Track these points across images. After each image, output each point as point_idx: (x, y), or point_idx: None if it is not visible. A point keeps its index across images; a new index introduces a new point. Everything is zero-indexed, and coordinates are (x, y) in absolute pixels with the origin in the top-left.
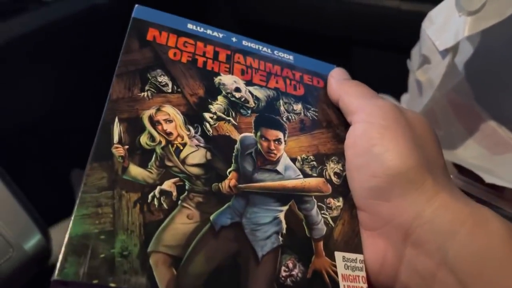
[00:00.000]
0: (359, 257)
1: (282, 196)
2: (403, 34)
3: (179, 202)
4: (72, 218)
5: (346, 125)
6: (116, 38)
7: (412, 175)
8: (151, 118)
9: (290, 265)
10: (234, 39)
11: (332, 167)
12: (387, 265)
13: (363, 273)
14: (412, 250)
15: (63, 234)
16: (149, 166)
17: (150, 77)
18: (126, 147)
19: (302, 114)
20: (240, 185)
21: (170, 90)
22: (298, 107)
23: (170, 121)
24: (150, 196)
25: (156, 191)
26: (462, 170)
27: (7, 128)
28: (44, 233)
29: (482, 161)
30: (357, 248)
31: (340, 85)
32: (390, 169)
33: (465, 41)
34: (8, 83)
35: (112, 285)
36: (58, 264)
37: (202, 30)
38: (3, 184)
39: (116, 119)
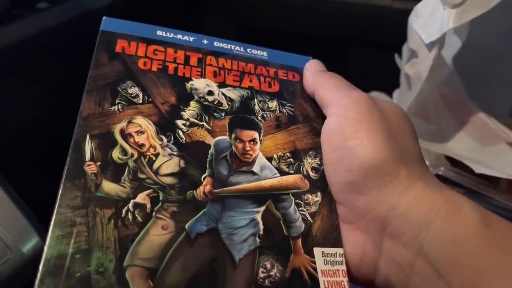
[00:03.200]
0: (339, 251)
1: (258, 197)
2: (396, 32)
3: (154, 213)
4: (47, 239)
5: (323, 118)
6: None
7: (386, 167)
8: (122, 132)
9: (268, 265)
10: (205, 41)
11: (309, 162)
12: (366, 257)
13: (343, 267)
14: (390, 241)
15: None
16: (122, 181)
17: (120, 90)
18: (99, 163)
19: (278, 111)
20: (215, 190)
21: (141, 101)
22: (273, 104)
23: (142, 132)
24: (124, 210)
25: (130, 205)
26: (454, 162)
27: (4, 133)
28: (42, 236)
29: (473, 153)
30: (336, 242)
31: (315, 77)
32: (364, 163)
33: (452, 34)
34: (3, 90)
35: None
36: (35, 285)
37: (172, 35)
38: (1, 188)
39: (87, 136)
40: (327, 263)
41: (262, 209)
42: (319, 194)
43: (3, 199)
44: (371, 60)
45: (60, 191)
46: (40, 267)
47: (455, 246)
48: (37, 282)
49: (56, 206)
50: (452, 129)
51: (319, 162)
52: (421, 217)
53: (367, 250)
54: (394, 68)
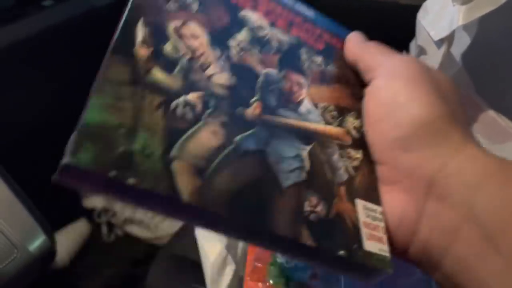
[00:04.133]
0: (379, 208)
1: (305, 135)
2: (403, 29)
3: (204, 116)
4: (89, 105)
5: (364, 87)
6: None
7: (438, 125)
8: (176, 30)
9: (314, 201)
10: None
11: (351, 122)
12: (406, 220)
13: (383, 224)
14: (435, 203)
15: (69, 239)
16: (174, 74)
17: None
18: (151, 49)
19: (323, 66)
20: (264, 116)
21: (196, 10)
22: (318, 59)
23: (196, 37)
24: (174, 103)
25: (181, 100)
26: None
27: (10, 131)
28: (48, 234)
29: None
30: (376, 200)
31: (359, 45)
32: (415, 118)
33: (461, 30)
34: (9, 87)
35: (131, 181)
36: (70, 149)
37: None
38: (8, 186)
39: (141, 20)
40: (368, 216)
41: (308, 147)
42: (360, 152)
43: (10, 197)
44: None
45: (105, 62)
46: (77, 130)
47: (509, 212)
48: (71, 143)
49: (101, 75)
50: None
51: (360, 125)
52: (473, 179)
53: (407, 213)
54: None
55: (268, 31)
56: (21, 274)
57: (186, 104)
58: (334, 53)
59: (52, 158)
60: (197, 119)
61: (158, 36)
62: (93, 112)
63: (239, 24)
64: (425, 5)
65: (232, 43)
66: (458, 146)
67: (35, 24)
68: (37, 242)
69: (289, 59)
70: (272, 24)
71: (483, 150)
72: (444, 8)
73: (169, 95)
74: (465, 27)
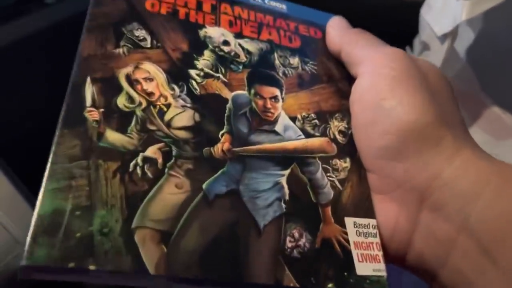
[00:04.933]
0: (372, 222)
1: (282, 159)
2: (406, 24)
3: (166, 170)
4: (41, 193)
5: (350, 80)
6: None
7: (429, 131)
8: (128, 77)
9: (296, 234)
10: None
11: (336, 125)
12: (399, 231)
13: (377, 239)
14: (429, 214)
15: None
16: (128, 131)
17: (125, 31)
18: (101, 110)
19: (300, 68)
20: (235, 149)
21: (149, 45)
22: (294, 60)
23: (151, 79)
24: (132, 164)
25: (139, 159)
26: None
27: (12, 129)
28: None
29: (487, 147)
30: (368, 212)
31: (341, 35)
32: (403, 125)
33: (465, 26)
34: (11, 85)
35: (92, 267)
36: (26, 247)
37: None
38: (10, 182)
39: (88, 79)
40: (359, 234)
41: (286, 172)
42: (348, 160)
43: (13, 193)
44: None
45: (55, 139)
46: (32, 223)
47: (506, 222)
48: (28, 241)
49: (51, 155)
50: (465, 123)
51: (346, 126)
52: (469, 188)
53: (400, 224)
54: None
55: (233, 45)
56: None
57: (145, 161)
58: (313, 46)
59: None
60: (159, 174)
61: (108, 91)
62: (46, 200)
63: (200, 46)
64: (428, 1)
65: (193, 72)
66: (450, 153)
67: (37, 22)
68: None
69: (259, 72)
70: (238, 35)
71: (478, 153)
72: (448, 4)
73: (125, 158)
74: (469, 22)
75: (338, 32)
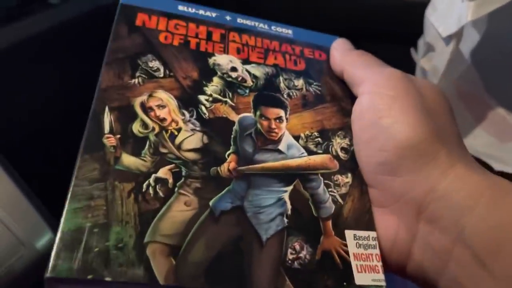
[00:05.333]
0: (372, 234)
1: (285, 176)
2: (410, 25)
3: (176, 189)
4: (64, 212)
5: (352, 98)
6: None
7: (423, 147)
8: (143, 105)
9: (297, 247)
10: (228, 18)
11: (338, 142)
12: (399, 242)
13: (377, 251)
14: (426, 226)
15: None
16: (142, 154)
17: (140, 63)
18: (118, 136)
19: (304, 89)
20: (240, 168)
21: (162, 75)
22: (299, 82)
23: (163, 106)
24: (144, 185)
25: (151, 180)
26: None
27: (16, 130)
28: (55, 232)
29: (491, 149)
30: (369, 225)
31: (344, 56)
32: (399, 142)
33: (470, 27)
34: (15, 85)
35: (108, 279)
36: (51, 261)
37: (193, 11)
38: (14, 183)
39: (107, 109)
40: (359, 246)
41: (289, 188)
42: (349, 175)
43: (17, 194)
44: (385, 54)
45: (77, 163)
46: (57, 240)
47: (500, 233)
48: (53, 255)
49: (74, 179)
50: (470, 125)
51: (348, 143)
52: (463, 201)
53: (400, 235)
54: (410, 62)
55: (240, 71)
56: (28, 271)
57: (157, 182)
58: (318, 68)
59: (58, 156)
60: (169, 193)
61: (124, 118)
62: (68, 219)
63: (209, 73)
64: (433, 2)
65: (202, 98)
66: (445, 168)
67: (41, 22)
68: (44, 239)
69: (265, 95)
70: (245, 61)
71: (472, 167)
72: (453, 5)
73: (139, 179)
74: (474, 23)
75: (340, 53)
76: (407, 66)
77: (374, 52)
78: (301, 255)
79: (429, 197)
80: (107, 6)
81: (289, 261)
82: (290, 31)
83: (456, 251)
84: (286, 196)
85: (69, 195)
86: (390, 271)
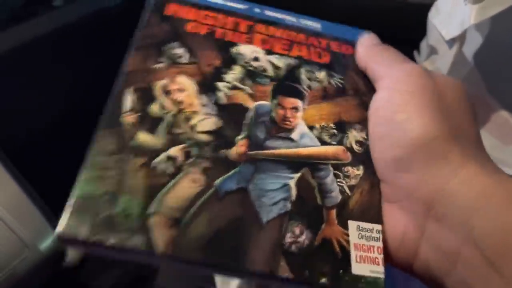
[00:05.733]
0: (376, 227)
1: (294, 163)
2: (413, 28)
3: (185, 167)
4: (79, 180)
5: (375, 93)
6: (127, 41)
7: (435, 145)
8: (163, 88)
9: (297, 231)
10: (257, 10)
11: (354, 135)
12: (407, 239)
13: (379, 244)
14: (435, 225)
15: None
16: (157, 133)
17: (166, 50)
18: (137, 114)
19: (326, 82)
20: (249, 152)
21: (186, 61)
22: (321, 75)
23: (183, 90)
24: (156, 161)
25: (163, 156)
26: None
27: (21, 131)
28: None
29: (494, 152)
30: (375, 218)
31: (368, 51)
32: (411, 139)
33: (473, 30)
34: (20, 86)
35: (111, 241)
36: (61, 220)
37: (223, 2)
38: (19, 185)
39: (130, 89)
40: (361, 237)
41: (297, 175)
42: (361, 168)
43: (21, 196)
44: None
45: (95, 137)
46: (71, 203)
47: (509, 234)
48: (63, 216)
49: (90, 150)
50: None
51: (365, 136)
52: (472, 201)
53: (408, 232)
54: None
55: (262, 61)
56: (32, 273)
57: (168, 159)
58: (344, 62)
59: (64, 158)
60: (178, 171)
61: (145, 99)
62: (82, 185)
63: (231, 62)
64: (436, 4)
65: (221, 85)
66: (456, 166)
67: (45, 24)
68: (48, 241)
69: (284, 84)
70: (269, 52)
71: (485, 167)
72: (456, 7)
73: (152, 155)
74: (477, 26)
75: (365, 48)
76: None
77: None
78: (300, 239)
79: (438, 195)
80: (110, 8)
81: (287, 244)
82: (319, 25)
83: (465, 251)
84: (292, 183)
85: (85, 164)
86: (397, 267)
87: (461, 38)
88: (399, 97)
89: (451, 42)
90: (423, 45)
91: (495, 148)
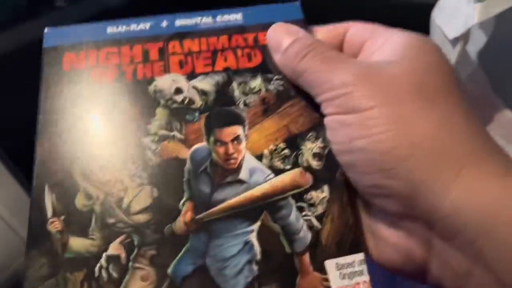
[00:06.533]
0: (358, 257)
1: (250, 211)
2: (416, 27)
3: (130, 263)
4: None
5: None
6: None
7: (412, 164)
8: (82, 172)
9: None
10: (164, 23)
11: (309, 148)
12: (413, 257)
13: (365, 277)
14: (441, 243)
15: None
16: (90, 233)
17: (75, 121)
18: (62, 217)
19: (263, 90)
20: (197, 216)
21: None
22: (256, 83)
23: (105, 167)
24: (96, 269)
25: (103, 260)
26: None
27: (22, 132)
28: None
29: None
30: (353, 246)
31: (291, 60)
32: (380, 164)
33: (477, 29)
34: (22, 87)
35: None
36: None
37: (124, 28)
38: (20, 185)
39: (46, 188)
40: (343, 277)
41: (256, 226)
42: (325, 188)
43: (23, 196)
44: None
45: (25, 262)
46: None
47: None
48: None
49: (24, 280)
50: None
51: (321, 145)
52: (477, 218)
53: (413, 250)
54: None
55: (186, 91)
56: None
57: (109, 261)
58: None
59: None
60: (123, 271)
61: (66, 194)
62: None
63: (150, 106)
64: (439, 3)
65: (147, 140)
66: (449, 178)
67: (48, 25)
68: None
69: (217, 113)
70: (191, 75)
71: (489, 169)
72: (459, 6)
73: (90, 263)
74: (481, 25)
75: (284, 56)
76: None
77: None
78: None
79: (435, 216)
80: (112, 9)
81: None
82: (239, 16)
83: (477, 273)
84: (253, 237)
85: None
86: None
87: (464, 37)
88: (349, 115)
89: (454, 41)
90: None
91: None
